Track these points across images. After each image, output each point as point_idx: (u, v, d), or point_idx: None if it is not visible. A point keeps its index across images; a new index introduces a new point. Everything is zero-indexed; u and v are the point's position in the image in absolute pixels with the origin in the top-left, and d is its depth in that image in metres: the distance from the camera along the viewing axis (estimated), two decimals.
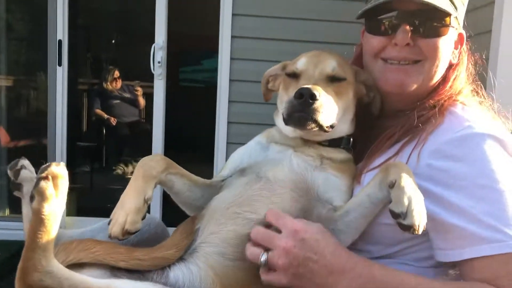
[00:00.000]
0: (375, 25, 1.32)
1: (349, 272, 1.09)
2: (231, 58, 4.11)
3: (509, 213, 1.09)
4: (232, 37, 4.11)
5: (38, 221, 0.96)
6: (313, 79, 1.29)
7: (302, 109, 1.21)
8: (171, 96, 7.30)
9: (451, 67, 1.35)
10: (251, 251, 1.14)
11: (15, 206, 4.86)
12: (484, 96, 1.39)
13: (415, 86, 1.31)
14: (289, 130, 1.35)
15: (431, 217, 1.09)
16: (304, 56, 1.38)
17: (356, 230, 1.21)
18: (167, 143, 4.54)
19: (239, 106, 4.15)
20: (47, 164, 0.99)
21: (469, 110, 1.28)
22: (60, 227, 1.07)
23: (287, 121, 1.27)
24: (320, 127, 1.24)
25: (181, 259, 1.20)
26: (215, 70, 4.32)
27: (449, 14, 1.25)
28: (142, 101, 7.01)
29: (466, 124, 1.21)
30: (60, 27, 4.19)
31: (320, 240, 1.11)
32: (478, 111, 1.30)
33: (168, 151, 4.52)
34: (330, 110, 1.26)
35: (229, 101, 4.13)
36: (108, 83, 6.93)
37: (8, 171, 1.24)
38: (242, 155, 1.40)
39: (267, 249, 1.12)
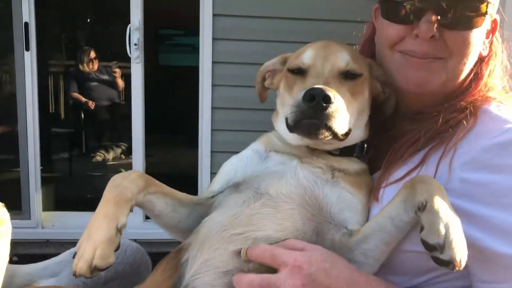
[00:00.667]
0: (393, 9, 1.10)
1: None
2: (213, 38, 3.83)
3: None
4: (214, 15, 3.81)
5: None
6: (324, 77, 1.08)
7: (314, 115, 1.00)
8: (152, 77, 7.11)
9: (482, 60, 1.15)
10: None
11: None
12: None
13: (437, 85, 1.11)
14: (293, 138, 1.14)
15: (470, 243, 0.90)
16: (311, 47, 1.16)
17: (376, 260, 1.02)
18: (148, 127, 4.29)
19: (224, 90, 3.88)
20: None
21: (506, 109, 1.08)
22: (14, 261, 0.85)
23: (293, 128, 1.06)
24: (335, 135, 1.04)
25: None
26: (197, 50, 4.03)
27: (486, 0, 1.03)
28: (121, 83, 6.71)
29: (507, 126, 1.01)
30: (26, 9, 3.85)
31: (329, 270, 0.94)
32: None
33: (150, 136, 4.33)
34: (346, 114, 1.05)
35: (213, 85, 3.87)
36: (85, 65, 6.60)
37: None
38: (235, 166, 1.18)
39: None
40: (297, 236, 1.02)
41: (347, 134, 1.08)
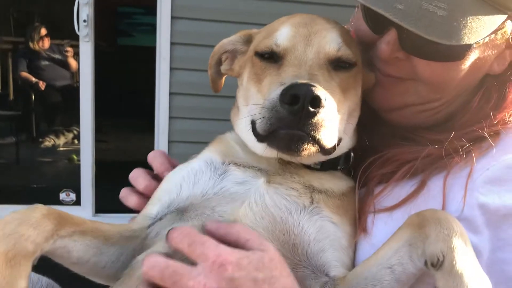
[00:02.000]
0: (365, 8, 0.86)
1: None
2: (172, 17, 3.48)
3: None
4: None
5: None
6: (307, 66, 0.80)
7: (297, 124, 0.73)
8: (110, 58, 6.68)
9: (496, 77, 0.89)
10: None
11: None
12: None
13: (400, 105, 0.91)
14: (262, 149, 0.85)
15: None
16: (287, 23, 0.88)
17: None
18: (103, 111, 3.94)
19: (183, 74, 3.55)
20: None
21: None
22: None
23: (264, 139, 0.78)
24: (323, 149, 0.77)
25: None
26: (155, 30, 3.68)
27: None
28: (73, 63, 6.23)
29: None
30: None
31: (261, 282, 0.67)
32: None
33: (105, 120, 3.96)
34: (337, 121, 0.79)
35: (171, 68, 3.53)
36: (35, 43, 6.13)
37: None
38: (180, 182, 0.89)
39: None
40: None
41: (335, 146, 0.82)
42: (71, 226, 0.78)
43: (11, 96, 6.99)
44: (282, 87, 0.73)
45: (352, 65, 0.85)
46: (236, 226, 0.74)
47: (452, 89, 0.87)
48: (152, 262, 0.69)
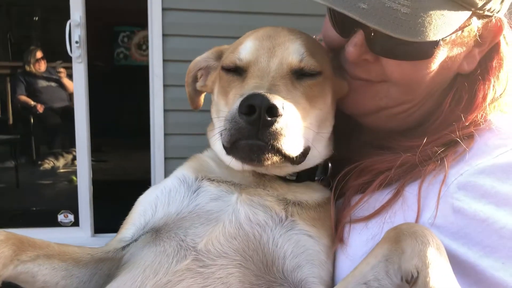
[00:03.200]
0: (331, 12, 0.85)
1: None
2: (164, 35, 3.49)
3: None
4: (164, 9, 3.47)
5: None
6: (269, 77, 0.81)
7: (255, 134, 0.73)
8: (103, 78, 6.70)
9: (467, 77, 0.88)
10: None
11: None
12: None
13: (372, 109, 0.90)
14: (232, 161, 0.84)
15: None
16: (250, 37, 0.89)
17: None
18: (96, 131, 3.93)
19: (176, 91, 3.54)
20: None
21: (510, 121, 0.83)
22: None
23: (229, 151, 0.78)
24: (287, 158, 0.76)
25: None
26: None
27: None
28: (68, 83, 6.24)
29: (509, 141, 0.78)
30: None
31: None
32: None
33: (100, 140, 3.94)
34: (300, 129, 0.78)
35: (164, 85, 3.53)
36: (31, 66, 6.18)
37: None
38: (155, 202, 0.89)
39: None
40: None
41: (304, 155, 0.81)
42: (34, 250, 0.77)
43: (11, 121, 7.00)
44: (241, 98, 0.72)
45: (317, 74, 0.84)
46: None
47: (423, 89, 0.86)
48: None
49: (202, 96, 1.05)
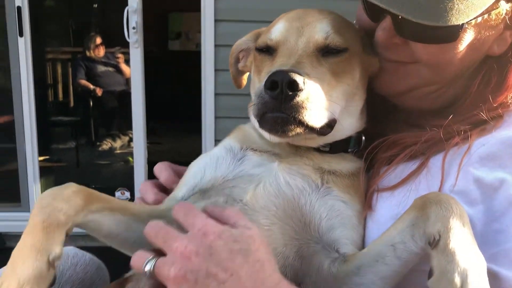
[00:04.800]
0: None
1: None
2: (216, 20, 3.57)
3: None
4: None
5: None
6: (296, 55, 0.86)
7: (278, 107, 0.79)
8: (157, 64, 6.92)
9: (497, 59, 0.90)
10: (137, 255, 0.81)
11: None
12: None
13: (404, 89, 0.94)
14: (267, 135, 0.93)
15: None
16: (282, 19, 0.94)
17: None
18: (150, 114, 4.11)
19: (227, 75, 3.61)
20: None
21: None
22: None
23: (259, 124, 0.85)
24: (311, 129, 0.81)
25: None
26: None
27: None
28: (126, 69, 6.49)
29: None
30: None
31: (237, 253, 0.73)
32: None
33: (152, 122, 4.11)
34: (323, 101, 0.83)
35: (215, 70, 3.63)
36: (91, 51, 6.48)
37: None
38: (204, 167, 0.97)
39: (159, 254, 0.78)
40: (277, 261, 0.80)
41: (331, 126, 0.86)
42: (100, 203, 0.88)
43: (71, 103, 7.37)
44: (267, 76, 0.78)
45: (343, 51, 0.89)
46: (227, 210, 0.81)
47: (452, 70, 0.88)
48: (153, 224, 0.81)
49: (245, 76, 1.12)
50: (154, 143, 6.42)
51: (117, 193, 4.15)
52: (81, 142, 6.47)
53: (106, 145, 6.41)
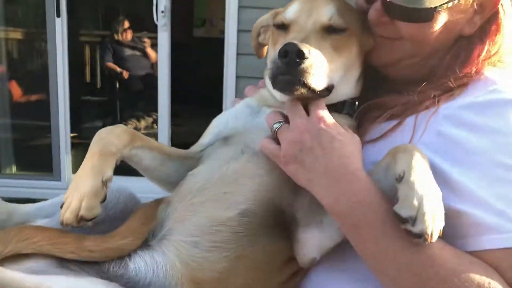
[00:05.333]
0: None
1: (345, 185, 0.92)
2: (240, 6, 3.79)
3: None
4: None
5: None
6: (305, 32, 1.05)
7: (288, 71, 0.98)
8: (182, 48, 7.12)
9: (468, 39, 1.09)
10: (272, 115, 1.05)
11: (22, 164, 4.80)
12: None
13: (393, 61, 1.13)
14: (278, 94, 1.13)
15: None
16: (296, 2, 1.13)
17: None
18: (180, 98, 4.33)
19: (249, 59, 3.85)
20: None
21: (502, 72, 1.04)
22: None
23: (272, 85, 1.04)
24: (313, 91, 1.01)
25: (146, 246, 1.03)
26: None
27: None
28: (152, 53, 6.73)
29: (492, 88, 0.98)
30: None
31: (336, 141, 0.95)
32: None
33: (175, 106, 4.38)
34: (324, 69, 1.02)
35: (238, 54, 3.85)
36: (119, 34, 6.70)
37: None
38: (227, 118, 1.19)
39: (287, 122, 1.02)
40: (277, 194, 1.02)
41: (329, 90, 1.06)
42: (142, 141, 1.10)
43: (99, 85, 7.66)
44: (281, 46, 0.98)
45: (343, 30, 1.08)
46: None
47: (430, 45, 1.07)
48: (293, 101, 1.04)
49: (265, 48, 1.32)
50: (177, 125, 6.67)
51: None
52: (107, 121, 6.75)
53: (131, 125, 6.66)
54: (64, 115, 4.28)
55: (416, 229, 0.82)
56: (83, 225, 0.99)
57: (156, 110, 6.41)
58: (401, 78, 1.13)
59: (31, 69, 5.40)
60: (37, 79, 5.14)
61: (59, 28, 4.01)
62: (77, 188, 1.00)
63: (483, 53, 1.05)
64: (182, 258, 1.00)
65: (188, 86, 7.25)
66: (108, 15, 7.41)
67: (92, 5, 7.37)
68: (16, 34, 5.12)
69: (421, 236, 0.82)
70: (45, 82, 4.35)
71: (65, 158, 4.32)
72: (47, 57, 4.24)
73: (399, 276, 0.88)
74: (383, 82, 1.20)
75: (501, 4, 1.06)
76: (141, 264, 0.99)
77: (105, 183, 1.01)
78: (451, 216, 0.91)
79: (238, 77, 3.90)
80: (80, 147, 4.79)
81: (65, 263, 0.96)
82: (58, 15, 3.98)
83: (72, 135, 4.50)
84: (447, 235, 0.94)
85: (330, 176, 0.93)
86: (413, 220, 0.82)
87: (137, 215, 1.06)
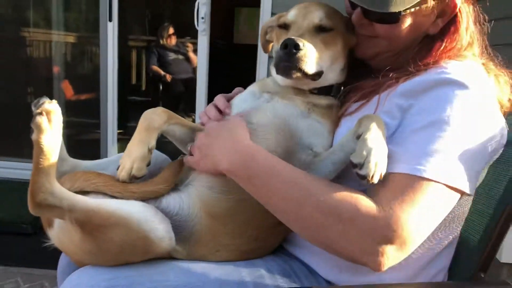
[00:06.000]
0: None
1: (235, 150, 1.25)
2: (273, 13, 4.07)
3: (441, 148, 1.12)
4: None
5: (38, 150, 1.11)
6: (301, 30, 1.34)
7: (287, 59, 1.27)
8: (222, 54, 7.44)
9: (432, 37, 1.35)
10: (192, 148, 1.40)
11: (73, 155, 5.24)
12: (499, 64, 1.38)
13: (372, 54, 1.41)
14: (280, 79, 1.43)
15: None
16: (296, 7, 1.43)
17: (325, 175, 1.28)
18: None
19: None
20: (42, 101, 1.13)
21: (455, 63, 1.28)
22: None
23: (276, 71, 1.35)
24: (306, 75, 1.31)
25: (176, 190, 1.36)
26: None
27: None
28: (194, 57, 7.11)
29: (440, 70, 1.23)
30: None
31: (223, 130, 1.32)
32: (469, 66, 1.28)
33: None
34: (315, 58, 1.31)
35: (269, 57, 4.13)
36: (164, 39, 7.11)
37: (33, 108, 1.23)
38: (236, 103, 1.50)
39: None
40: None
41: (319, 75, 1.34)
42: (176, 119, 1.41)
43: (143, 87, 8.13)
44: (282, 41, 1.28)
45: (330, 29, 1.36)
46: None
47: (401, 42, 1.34)
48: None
49: (270, 45, 1.63)
50: None
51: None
52: None
53: None
54: (113, 113, 4.68)
55: (362, 172, 1.09)
56: (133, 182, 1.31)
57: (195, 111, 6.80)
58: (380, 68, 1.41)
59: (83, 70, 5.83)
60: (87, 79, 5.61)
61: (111, 32, 4.43)
62: (130, 155, 1.30)
63: (441, 48, 1.32)
64: (201, 197, 1.32)
65: (226, 89, 7.57)
66: (154, 22, 7.88)
67: (139, 12, 7.84)
68: (70, 38, 5.54)
69: (364, 177, 1.08)
70: (94, 82, 4.75)
71: (112, 151, 4.75)
72: (98, 59, 4.64)
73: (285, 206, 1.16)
74: (367, 71, 1.49)
75: (459, 9, 1.33)
76: (170, 201, 1.32)
77: (150, 150, 1.30)
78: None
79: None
80: (125, 142, 5.17)
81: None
82: (110, 20, 4.40)
83: (118, 131, 4.88)
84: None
85: (224, 150, 1.24)
86: (361, 166, 1.09)
87: (169, 168, 1.38)
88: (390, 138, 1.20)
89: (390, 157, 1.14)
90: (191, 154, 1.37)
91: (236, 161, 1.22)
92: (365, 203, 1.08)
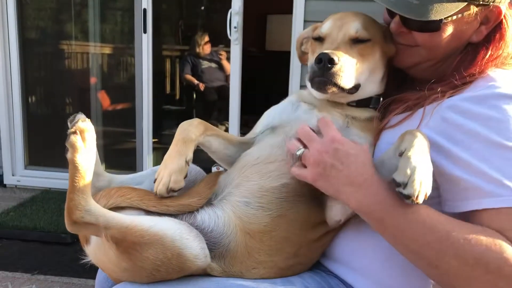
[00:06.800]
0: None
1: (365, 189, 1.12)
2: (305, 21, 4.07)
3: None
4: None
5: (74, 169, 1.12)
6: (336, 43, 1.31)
7: (322, 74, 1.24)
8: (255, 61, 7.45)
9: (475, 46, 1.29)
10: (292, 144, 1.25)
11: (110, 164, 5.37)
12: None
13: (411, 64, 1.35)
14: (315, 93, 1.40)
15: (441, 171, 1.13)
16: (330, 19, 1.39)
17: None
18: (245, 108, 4.68)
19: None
20: (76, 119, 1.13)
21: (505, 72, 1.22)
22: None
23: (311, 85, 1.32)
24: (342, 89, 1.27)
25: (210, 204, 1.34)
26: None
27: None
28: (227, 65, 7.14)
29: (490, 83, 1.17)
30: None
31: (351, 155, 1.16)
32: None
33: (246, 116, 4.68)
34: (351, 72, 1.27)
35: (302, 66, 4.12)
36: (200, 47, 7.17)
37: (68, 124, 1.23)
38: (274, 113, 1.47)
39: (305, 147, 1.22)
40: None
41: (356, 88, 1.30)
42: (212, 131, 1.40)
43: (177, 96, 8.23)
44: (316, 55, 1.24)
45: (367, 40, 1.31)
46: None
47: (442, 51, 1.28)
48: (304, 128, 1.23)
49: (307, 56, 1.60)
50: (245, 134, 6.96)
51: (213, 168, 4.80)
52: None
53: None
54: (148, 122, 4.77)
55: (406, 192, 1.04)
56: (171, 195, 1.28)
57: (228, 120, 6.84)
58: (420, 78, 1.36)
59: (118, 81, 5.95)
60: (123, 89, 5.72)
61: (145, 44, 4.52)
62: (167, 167, 1.27)
63: (486, 57, 1.25)
64: (237, 213, 1.29)
65: (259, 97, 7.60)
66: (187, 32, 7.99)
67: (173, 23, 7.97)
68: (107, 49, 5.67)
69: (409, 197, 1.03)
70: (130, 92, 4.86)
71: (147, 159, 4.82)
72: (133, 69, 4.75)
73: (417, 248, 1.08)
74: (408, 82, 1.43)
75: (504, 15, 1.26)
76: (205, 216, 1.29)
77: (187, 162, 1.28)
78: (451, 181, 1.13)
79: (302, 87, 4.17)
80: (160, 151, 5.26)
81: (149, 214, 1.28)
82: (145, 31, 4.48)
83: (153, 140, 4.97)
84: (448, 199, 1.16)
85: (352, 185, 1.12)
86: (405, 185, 1.04)
87: (203, 182, 1.37)
88: (455, 164, 1.13)
89: (473, 189, 1.09)
90: (300, 163, 1.24)
91: (367, 203, 1.13)
92: (509, 250, 1.02)
